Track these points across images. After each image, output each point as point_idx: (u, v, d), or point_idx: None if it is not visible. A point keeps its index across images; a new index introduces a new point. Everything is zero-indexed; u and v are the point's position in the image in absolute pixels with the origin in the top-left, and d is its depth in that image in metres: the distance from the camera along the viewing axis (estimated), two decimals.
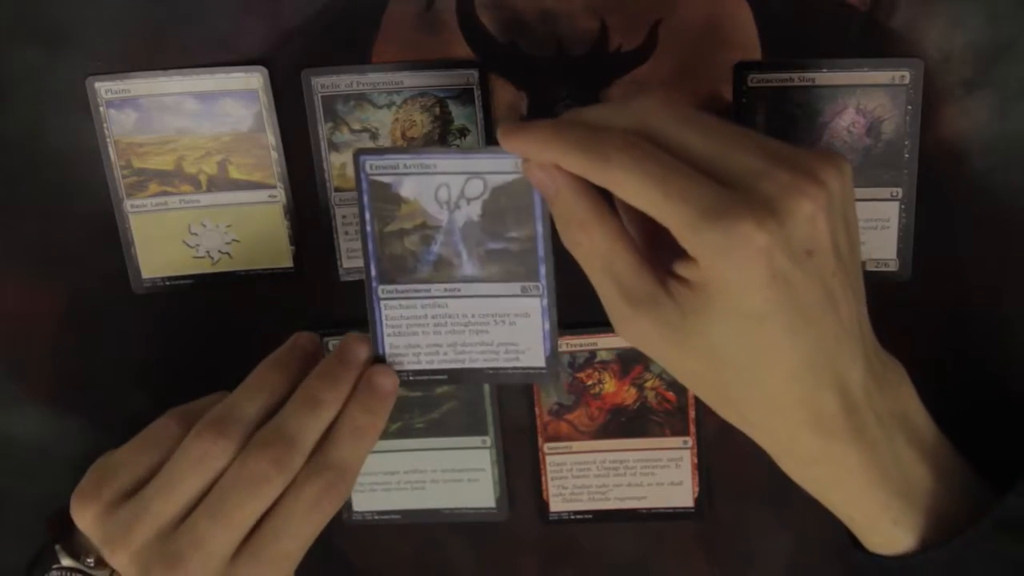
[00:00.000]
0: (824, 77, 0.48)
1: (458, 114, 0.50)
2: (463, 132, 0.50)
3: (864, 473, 0.44)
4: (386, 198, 0.46)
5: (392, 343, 0.48)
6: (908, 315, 0.51)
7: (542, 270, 0.47)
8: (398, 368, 0.49)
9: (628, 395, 0.54)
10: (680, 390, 0.54)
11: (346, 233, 0.52)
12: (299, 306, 0.54)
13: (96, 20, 0.49)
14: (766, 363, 0.41)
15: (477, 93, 0.49)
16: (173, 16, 0.49)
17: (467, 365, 0.49)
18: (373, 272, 0.47)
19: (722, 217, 0.39)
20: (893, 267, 0.51)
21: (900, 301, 0.51)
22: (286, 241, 0.53)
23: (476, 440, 0.55)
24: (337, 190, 0.52)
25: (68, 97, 0.50)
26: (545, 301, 0.47)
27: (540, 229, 0.46)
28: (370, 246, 0.47)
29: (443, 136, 0.50)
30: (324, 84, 0.50)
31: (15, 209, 0.52)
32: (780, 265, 0.39)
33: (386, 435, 0.55)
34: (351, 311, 0.53)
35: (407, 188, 0.46)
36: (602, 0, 0.48)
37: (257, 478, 0.44)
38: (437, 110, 0.50)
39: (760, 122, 0.49)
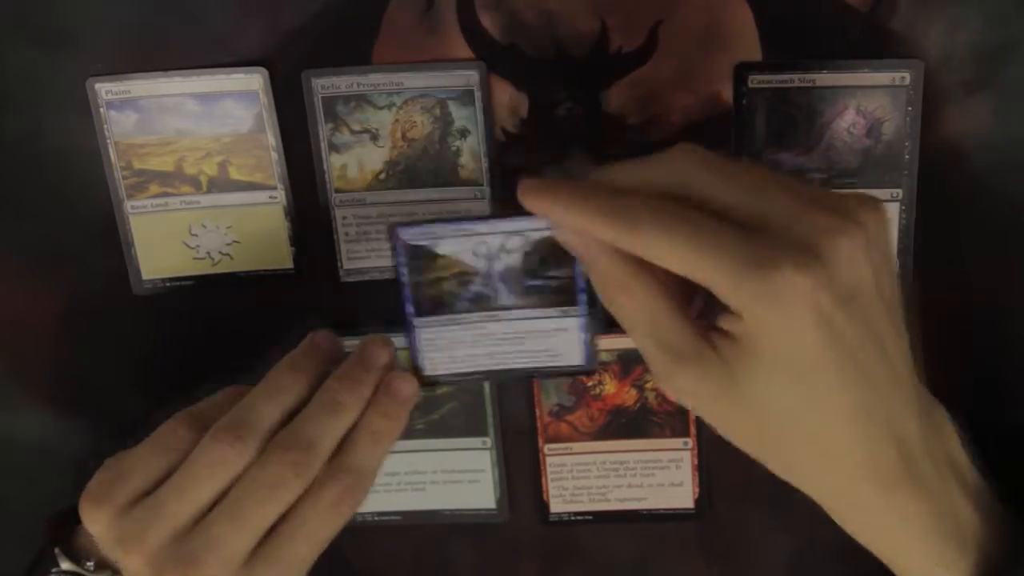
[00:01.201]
0: (824, 78, 0.48)
1: (459, 115, 0.50)
2: (463, 133, 0.50)
3: (921, 522, 0.42)
4: (422, 256, 0.46)
5: (431, 357, 0.48)
6: (908, 315, 0.51)
7: (582, 297, 0.47)
8: (435, 373, 0.49)
9: (628, 396, 0.54)
10: None
11: (346, 234, 0.52)
12: (299, 307, 0.53)
13: (96, 21, 0.49)
14: (818, 414, 0.40)
15: (478, 94, 0.49)
16: (173, 17, 0.49)
17: (508, 366, 0.49)
18: (410, 309, 0.47)
19: (761, 266, 0.38)
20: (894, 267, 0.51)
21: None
22: (286, 242, 0.53)
23: (476, 441, 0.55)
24: (337, 191, 0.52)
25: (68, 98, 0.50)
26: (584, 319, 0.47)
27: (579, 268, 0.46)
28: (406, 291, 0.47)
29: (444, 137, 0.50)
30: (324, 85, 0.50)
31: (15, 209, 0.52)
32: (826, 309, 0.38)
33: None
34: (352, 312, 0.53)
35: (444, 247, 0.46)
36: (602, 1, 0.48)
37: (276, 482, 0.44)
38: (438, 111, 0.50)
39: (760, 123, 0.49)
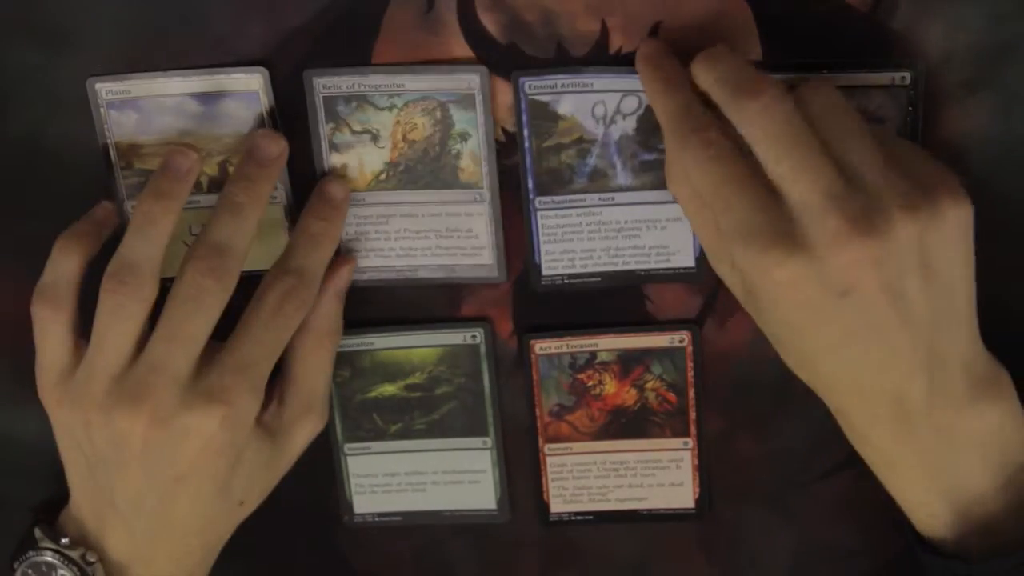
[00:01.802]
0: (824, 79, 0.48)
1: (459, 119, 0.50)
2: (464, 136, 0.50)
3: (908, 468, 0.45)
4: (544, 116, 0.49)
5: (548, 249, 0.51)
6: None
7: None
8: (553, 272, 0.51)
9: (628, 396, 0.54)
10: (680, 391, 0.54)
11: (345, 234, 0.52)
12: None
13: (96, 20, 0.49)
14: (811, 356, 0.44)
15: (479, 98, 0.49)
16: (174, 17, 0.49)
17: (620, 268, 0.51)
18: (530, 185, 0.50)
19: (748, 240, 0.41)
20: None
21: None
22: (286, 242, 0.52)
23: (477, 441, 0.55)
24: None
25: (68, 98, 0.50)
26: None
27: None
28: (528, 161, 0.49)
29: (444, 140, 0.50)
30: (325, 85, 0.50)
31: (15, 209, 0.52)
32: (808, 295, 0.41)
33: (386, 436, 0.55)
34: (351, 312, 0.53)
35: (564, 106, 0.49)
36: (603, 1, 0.48)
37: (195, 292, 0.46)
38: (438, 114, 0.50)
39: None
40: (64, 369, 0.48)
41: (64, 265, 0.48)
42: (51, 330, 0.48)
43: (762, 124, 0.42)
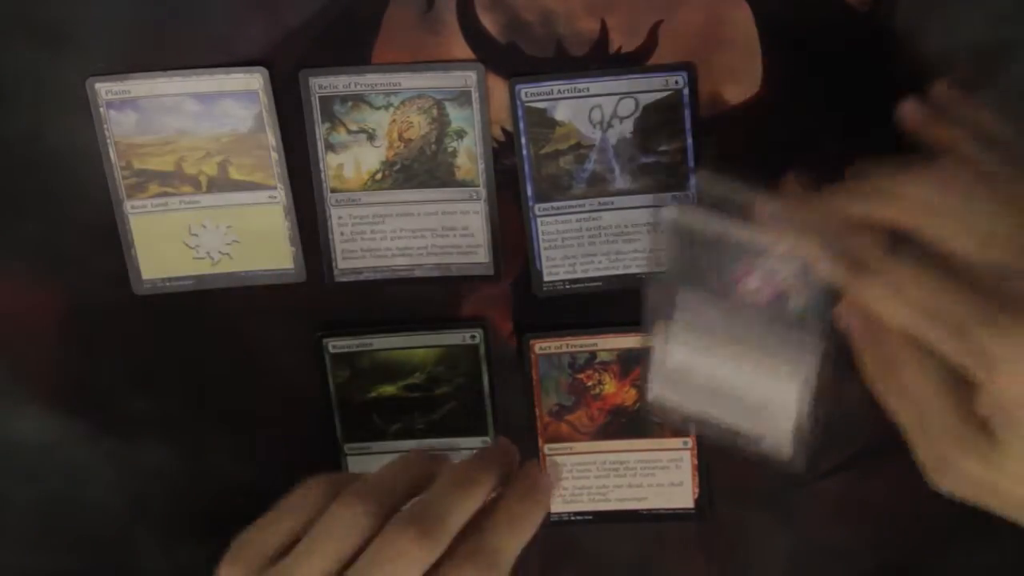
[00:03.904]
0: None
1: (455, 116, 0.50)
2: (460, 134, 0.50)
3: None
4: (541, 122, 0.49)
5: (548, 255, 0.51)
6: None
7: (692, 180, 0.50)
8: (554, 278, 0.51)
9: (628, 396, 0.54)
10: None
11: (341, 234, 0.52)
12: (299, 307, 0.53)
13: (96, 20, 0.49)
14: None
15: (475, 95, 0.49)
16: (173, 17, 0.49)
17: (621, 271, 0.51)
18: (530, 192, 0.50)
19: (983, 324, 0.38)
20: None
21: None
22: (286, 242, 0.52)
23: (476, 441, 0.55)
24: (333, 191, 0.52)
25: (68, 98, 0.50)
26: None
27: (690, 142, 0.49)
28: (526, 168, 0.50)
29: (440, 138, 0.50)
30: (322, 84, 0.50)
31: (15, 209, 0.52)
32: None
33: (386, 436, 0.55)
34: (350, 312, 0.53)
35: (561, 112, 0.49)
36: (602, 0, 0.48)
37: (400, 552, 0.42)
38: (435, 112, 0.50)
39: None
40: (264, 552, 0.44)
41: (402, 478, 0.45)
42: (305, 509, 0.44)
43: (941, 204, 0.39)
